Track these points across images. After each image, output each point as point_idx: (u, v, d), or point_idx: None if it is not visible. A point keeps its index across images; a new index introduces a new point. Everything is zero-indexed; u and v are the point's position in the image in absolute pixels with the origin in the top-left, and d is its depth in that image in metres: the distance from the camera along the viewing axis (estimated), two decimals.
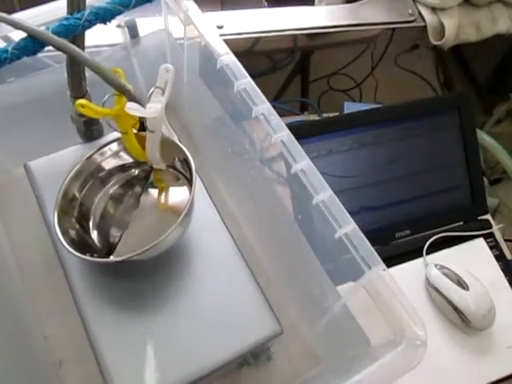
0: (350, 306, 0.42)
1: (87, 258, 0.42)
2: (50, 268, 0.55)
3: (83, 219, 0.47)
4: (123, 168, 0.51)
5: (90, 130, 0.56)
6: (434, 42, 0.82)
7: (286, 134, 0.43)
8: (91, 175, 0.49)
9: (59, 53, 0.47)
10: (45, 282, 0.55)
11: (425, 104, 0.70)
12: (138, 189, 0.50)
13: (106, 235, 0.48)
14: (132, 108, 0.41)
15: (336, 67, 1.22)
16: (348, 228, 0.38)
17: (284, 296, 0.52)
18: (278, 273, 0.54)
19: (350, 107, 0.75)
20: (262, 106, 0.44)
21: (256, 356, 0.51)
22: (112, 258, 0.45)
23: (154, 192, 0.50)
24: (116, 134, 0.51)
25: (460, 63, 1.61)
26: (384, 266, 0.37)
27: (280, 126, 0.43)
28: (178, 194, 0.50)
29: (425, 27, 0.88)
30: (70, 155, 0.55)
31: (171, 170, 0.50)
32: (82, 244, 0.46)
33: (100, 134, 0.57)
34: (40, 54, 0.61)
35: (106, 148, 0.49)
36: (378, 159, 0.66)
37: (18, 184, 0.60)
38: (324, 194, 0.40)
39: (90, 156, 0.48)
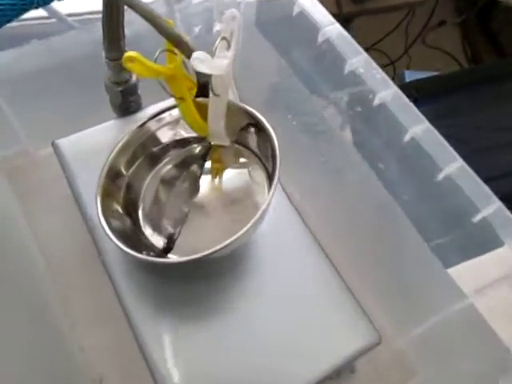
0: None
1: (145, 257, 0.33)
2: (84, 265, 0.46)
3: (130, 205, 0.38)
4: (182, 143, 0.41)
5: (127, 101, 0.47)
6: None
7: (392, 92, 0.33)
8: (142, 148, 0.40)
9: (87, 15, 0.38)
10: (79, 283, 0.47)
11: None
12: (196, 170, 0.40)
13: (159, 227, 0.39)
14: (200, 58, 0.31)
15: (368, 44, 1.14)
16: (492, 206, 0.29)
17: (365, 293, 0.43)
18: (355, 266, 0.45)
19: (411, 76, 0.66)
20: (359, 58, 0.34)
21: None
22: (176, 257, 0.36)
23: (219, 173, 0.41)
24: (165, 103, 0.41)
25: (487, 37, 1.53)
26: None
27: (385, 81, 0.33)
28: (243, 178, 0.40)
29: None
30: (104, 132, 0.46)
31: (237, 146, 0.40)
32: (129, 237, 0.37)
33: (138, 107, 0.48)
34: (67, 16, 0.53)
35: (163, 115, 0.40)
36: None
37: (41, 168, 0.52)
38: (453, 166, 0.30)
39: (143, 124, 0.39)
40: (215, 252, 0.31)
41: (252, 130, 0.38)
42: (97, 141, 0.45)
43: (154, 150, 0.40)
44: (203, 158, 0.41)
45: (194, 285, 0.39)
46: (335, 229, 0.43)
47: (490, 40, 1.51)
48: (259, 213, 0.32)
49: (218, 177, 0.41)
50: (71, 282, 0.46)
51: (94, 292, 0.45)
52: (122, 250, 0.33)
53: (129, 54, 0.33)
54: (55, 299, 0.46)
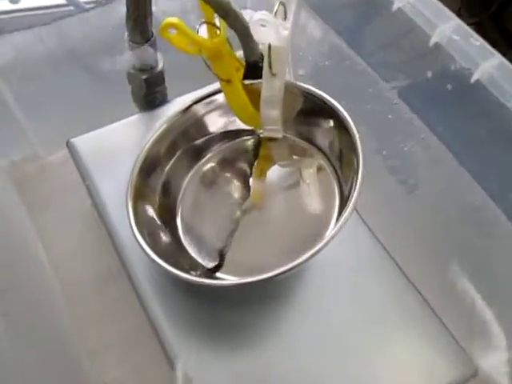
0: None
1: (199, 280, 0.26)
2: (106, 287, 0.39)
3: (167, 210, 0.32)
4: (231, 134, 0.35)
5: (152, 92, 0.40)
6: None
7: (497, 64, 0.26)
8: (184, 138, 0.33)
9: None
10: (100, 308, 0.39)
11: None
12: (245, 168, 0.34)
13: (202, 238, 0.32)
14: (264, 21, 0.25)
15: None
16: None
17: (450, 314, 0.36)
18: (435, 281, 0.37)
19: None
20: (450, 24, 0.28)
21: None
22: (230, 277, 0.29)
23: (271, 174, 0.34)
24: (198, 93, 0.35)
25: (503, 38, 1.48)
26: None
27: (485, 50, 0.27)
28: (302, 180, 0.33)
29: None
30: (127, 128, 0.40)
31: (294, 139, 0.33)
32: (168, 251, 0.30)
33: (164, 99, 0.41)
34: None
35: (214, 98, 0.33)
36: None
37: (54, 175, 0.45)
38: None
39: (188, 108, 0.32)
40: (287, 271, 0.24)
41: (317, 120, 0.31)
42: (119, 138, 0.38)
43: (198, 141, 0.33)
44: (254, 153, 0.34)
45: (244, 309, 0.32)
46: (410, 240, 0.35)
47: (505, 40, 1.46)
48: (337, 227, 0.26)
49: (269, 177, 0.34)
50: (90, 306, 0.39)
51: (117, 315, 0.38)
52: (164, 269, 0.26)
53: (169, 20, 0.27)
54: (70, 325, 0.39)
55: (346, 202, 0.27)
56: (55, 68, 0.41)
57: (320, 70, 0.39)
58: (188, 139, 0.34)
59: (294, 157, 0.34)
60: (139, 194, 0.30)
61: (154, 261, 0.26)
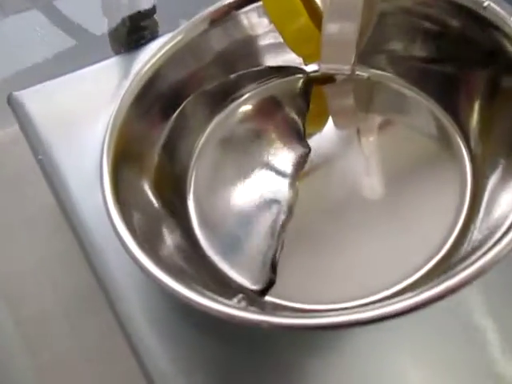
0: None
1: (262, 318, 0.14)
2: (79, 320, 0.27)
3: (170, 185, 0.20)
4: (287, 69, 0.23)
5: (137, 28, 0.30)
6: None
7: None
8: (206, 69, 0.22)
9: None
10: (69, 352, 0.27)
11: None
12: (298, 120, 0.22)
13: (232, 233, 0.20)
14: None
15: None
16: None
17: None
18: None
19: None
20: None
21: None
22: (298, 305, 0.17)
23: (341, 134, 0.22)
24: None
25: None
26: None
27: None
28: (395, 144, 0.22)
29: None
30: (98, 76, 0.28)
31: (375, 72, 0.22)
32: (174, 259, 0.18)
33: (154, 33, 0.31)
34: None
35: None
36: None
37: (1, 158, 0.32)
38: None
39: (221, 17, 0.21)
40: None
41: (439, 50, 0.20)
42: (87, 90, 0.27)
43: (225, 77, 0.22)
44: (306, 97, 0.22)
45: (290, 354, 0.19)
46: None
47: None
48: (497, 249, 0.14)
49: (339, 139, 0.22)
50: (56, 351, 0.27)
51: (98, 369, 0.26)
52: (189, 301, 0.14)
53: None
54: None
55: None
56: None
57: None
58: (212, 70, 0.22)
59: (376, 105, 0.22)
60: (125, 158, 0.18)
61: (167, 288, 0.14)
